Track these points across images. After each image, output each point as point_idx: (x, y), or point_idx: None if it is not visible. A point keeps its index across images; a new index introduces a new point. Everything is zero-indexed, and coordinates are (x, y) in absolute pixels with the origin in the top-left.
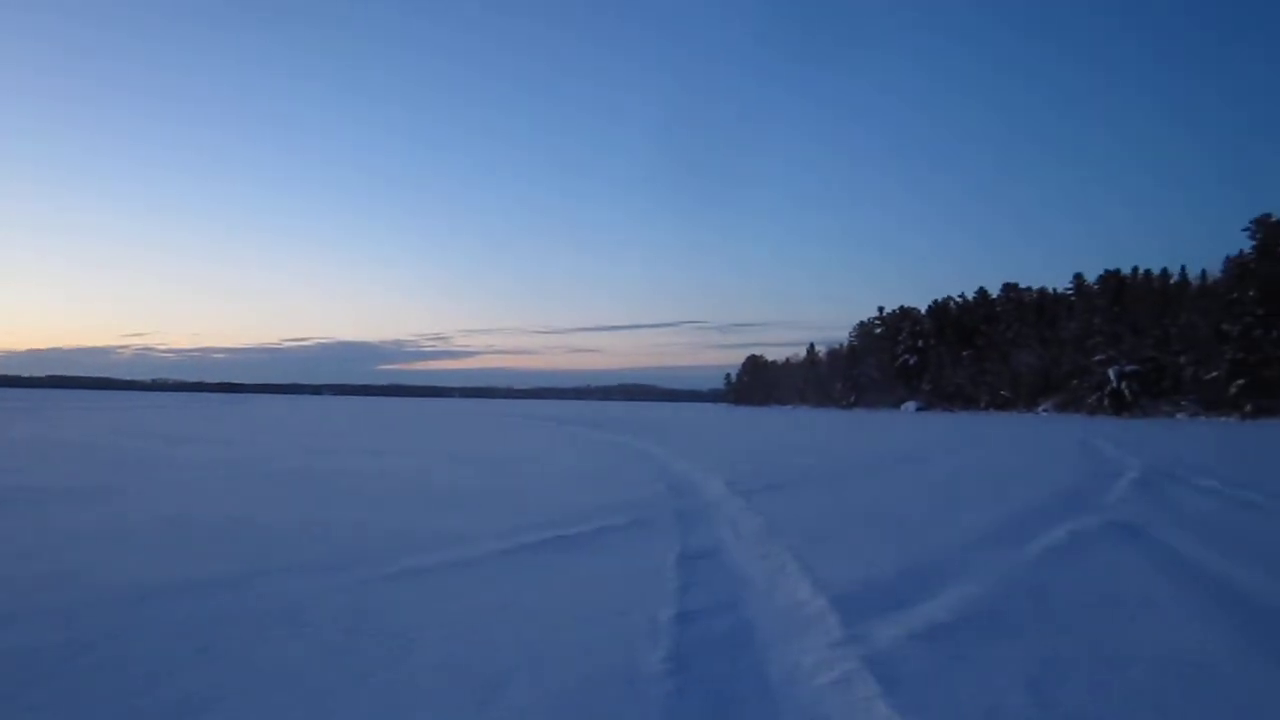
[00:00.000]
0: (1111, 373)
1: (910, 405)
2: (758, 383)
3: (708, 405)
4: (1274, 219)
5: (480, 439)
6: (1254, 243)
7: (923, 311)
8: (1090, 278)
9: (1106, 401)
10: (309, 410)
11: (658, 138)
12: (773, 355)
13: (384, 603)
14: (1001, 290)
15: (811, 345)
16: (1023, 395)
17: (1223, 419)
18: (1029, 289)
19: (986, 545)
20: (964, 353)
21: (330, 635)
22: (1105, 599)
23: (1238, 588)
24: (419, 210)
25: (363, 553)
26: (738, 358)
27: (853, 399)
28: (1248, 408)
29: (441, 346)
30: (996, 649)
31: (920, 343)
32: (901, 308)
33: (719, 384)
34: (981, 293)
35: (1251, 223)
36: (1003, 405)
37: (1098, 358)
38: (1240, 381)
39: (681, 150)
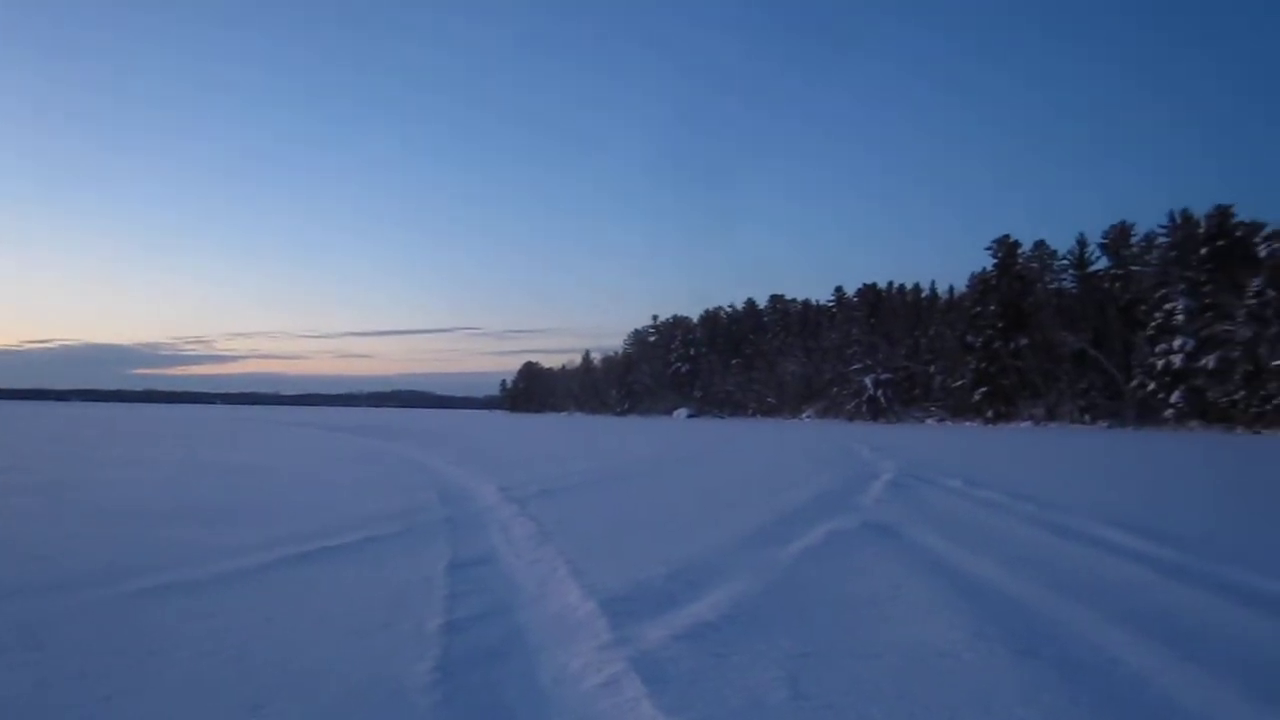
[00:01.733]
0: (869, 380)
1: (682, 411)
2: (534, 389)
3: (483, 412)
4: (1012, 239)
5: (240, 447)
6: (995, 261)
7: (695, 321)
8: (850, 291)
9: (864, 408)
10: (52, 418)
11: (433, 136)
12: (549, 362)
13: (130, 622)
14: (769, 302)
15: (587, 353)
16: (788, 402)
17: (967, 424)
18: (794, 301)
19: (752, 546)
20: (733, 361)
21: (70, 657)
22: (859, 595)
23: (977, 581)
24: (173, 204)
25: (111, 569)
26: (514, 364)
27: (627, 406)
28: (989, 413)
29: (202, 350)
30: (758, 646)
31: (692, 351)
32: (675, 317)
33: (495, 391)
34: (750, 304)
35: (993, 243)
36: (769, 411)
37: (856, 366)
38: (983, 389)
39: (456, 152)
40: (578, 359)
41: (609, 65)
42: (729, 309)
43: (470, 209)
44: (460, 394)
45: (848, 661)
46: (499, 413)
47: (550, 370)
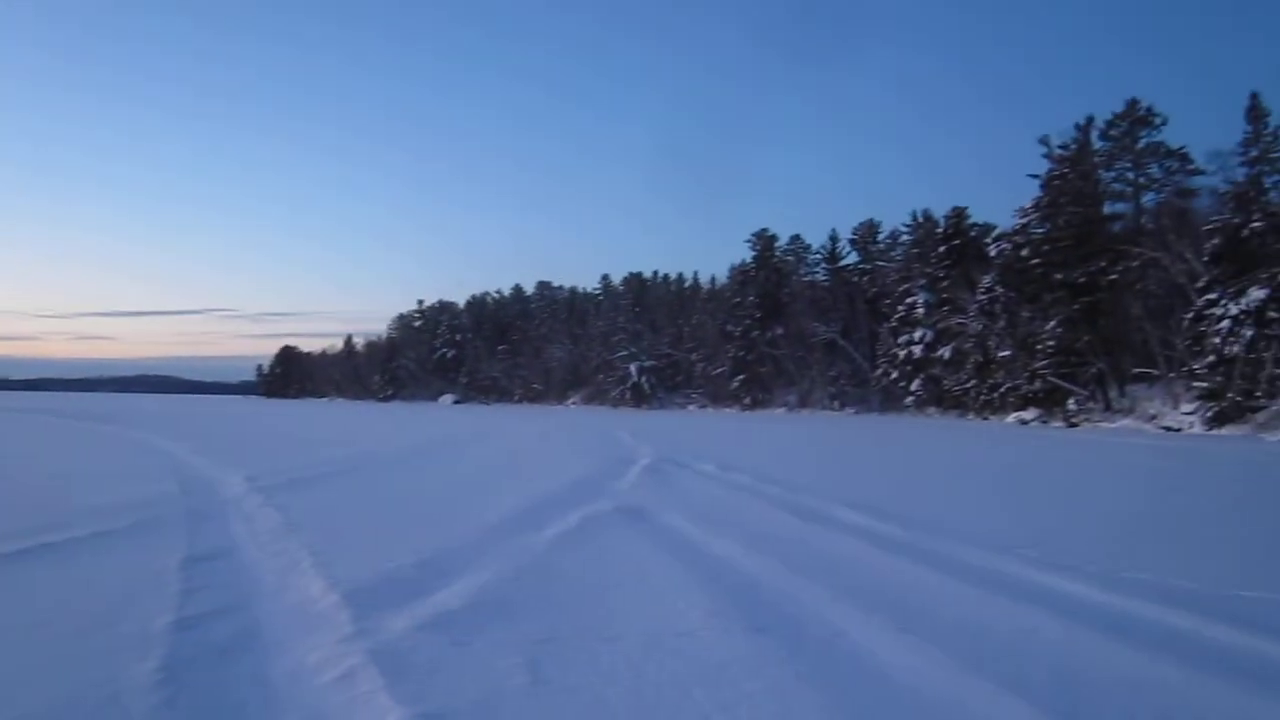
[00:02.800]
0: (633, 367)
1: (448, 398)
2: (292, 374)
3: (237, 397)
4: (770, 233)
5: None
6: (754, 254)
7: (461, 306)
8: (616, 280)
9: (628, 394)
10: None
11: (179, 118)
12: (308, 346)
13: None
14: (536, 288)
15: (349, 337)
16: (554, 388)
17: (727, 410)
18: (561, 288)
19: (504, 533)
20: (500, 347)
21: None
22: (607, 579)
23: (719, 562)
24: None
25: None
26: (271, 348)
27: (390, 392)
28: (747, 400)
29: None
30: (502, 633)
31: (458, 337)
32: (441, 302)
33: (250, 375)
34: (518, 290)
35: (753, 236)
36: (535, 398)
37: (621, 353)
38: (741, 376)
39: (202, 122)
40: (339, 344)
41: (358, 55)
42: (496, 295)
43: (222, 183)
44: (213, 379)
45: (590, 645)
46: (255, 398)
47: (310, 355)
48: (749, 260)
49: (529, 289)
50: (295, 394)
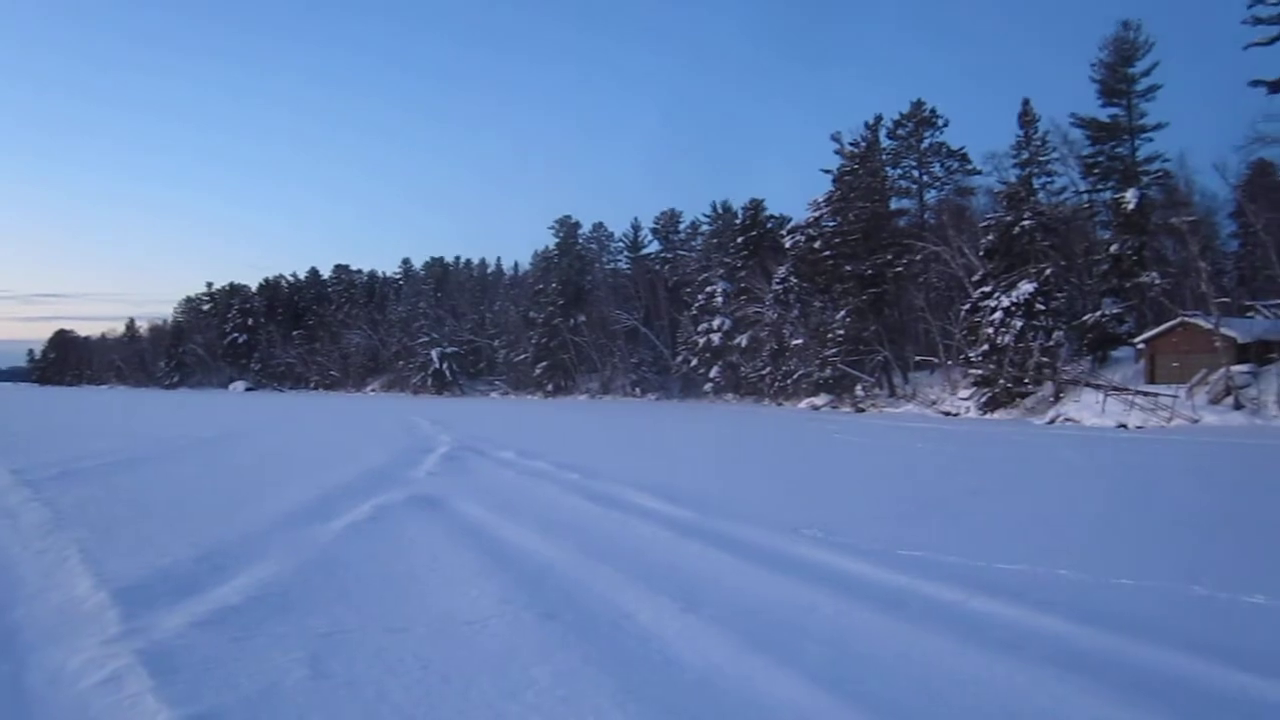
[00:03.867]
0: (434, 354)
1: (239, 385)
2: (68, 359)
3: (6, 385)
4: (573, 220)
5: None
6: (557, 240)
7: (254, 289)
8: (418, 264)
9: (430, 381)
10: None
11: None
12: (87, 330)
13: None
14: (334, 271)
15: (132, 320)
16: (353, 375)
17: (529, 397)
18: (360, 271)
19: (293, 524)
20: (295, 332)
21: None
22: (396, 569)
23: (513, 548)
24: None
25: None
26: (45, 331)
27: (177, 378)
28: (549, 387)
29: None
30: (283, 627)
31: (250, 321)
32: (232, 284)
33: (21, 361)
34: (314, 273)
35: (555, 222)
36: (332, 385)
37: (422, 339)
38: (543, 363)
39: None
40: (121, 327)
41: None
42: (291, 278)
43: None
44: None
45: (376, 637)
46: (25, 385)
47: (88, 339)
48: (552, 247)
49: (326, 272)
50: (72, 381)
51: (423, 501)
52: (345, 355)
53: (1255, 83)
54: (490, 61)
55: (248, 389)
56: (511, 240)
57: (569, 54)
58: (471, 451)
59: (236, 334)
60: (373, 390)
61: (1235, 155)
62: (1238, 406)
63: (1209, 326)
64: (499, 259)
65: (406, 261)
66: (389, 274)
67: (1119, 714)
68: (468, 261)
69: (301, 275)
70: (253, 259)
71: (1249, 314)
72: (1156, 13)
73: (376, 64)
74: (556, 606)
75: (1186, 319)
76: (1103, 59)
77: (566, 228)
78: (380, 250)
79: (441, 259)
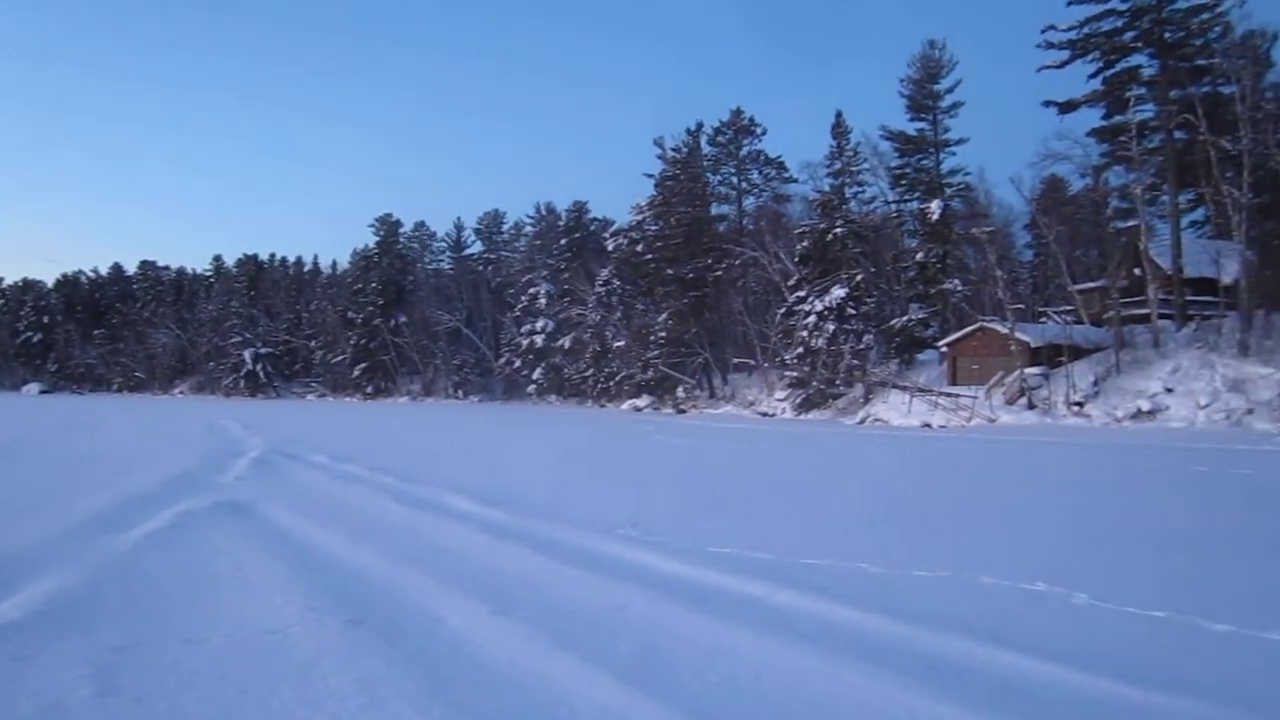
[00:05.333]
0: (248, 354)
1: (33, 387)
2: None
3: None
4: (394, 218)
5: None
6: (377, 239)
7: (50, 286)
8: (230, 261)
9: (242, 383)
10: None
11: None
12: None
13: None
14: (139, 268)
15: None
16: (159, 376)
17: (348, 399)
18: (168, 268)
19: (86, 534)
20: (96, 332)
21: None
22: (197, 578)
23: (321, 554)
24: None
25: None
26: None
27: None
28: (369, 389)
29: None
30: (70, 643)
31: (46, 319)
32: (25, 280)
33: None
34: (117, 269)
35: (376, 220)
36: (138, 387)
37: (234, 339)
38: (363, 365)
39: None
40: None
41: None
42: (92, 274)
43: None
44: None
45: (172, 649)
46: None
47: None
48: (372, 245)
49: (130, 268)
50: None
51: (229, 508)
52: (151, 356)
53: (1047, 103)
54: (312, 45)
55: (42, 391)
56: (330, 238)
57: (402, 39)
58: (283, 456)
59: (30, 333)
60: (180, 392)
61: (1030, 171)
62: (1031, 406)
63: (1005, 331)
64: (316, 257)
65: (218, 258)
66: (199, 271)
67: (911, 699)
68: (283, 259)
69: (104, 271)
70: (49, 252)
71: (1041, 320)
72: (960, 33)
73: (185, 54)
74: (364, 613)
75: (985, 324)
76: (910, 76)
77: (387, 226)
78: (190, 246)
79: (255, 256)
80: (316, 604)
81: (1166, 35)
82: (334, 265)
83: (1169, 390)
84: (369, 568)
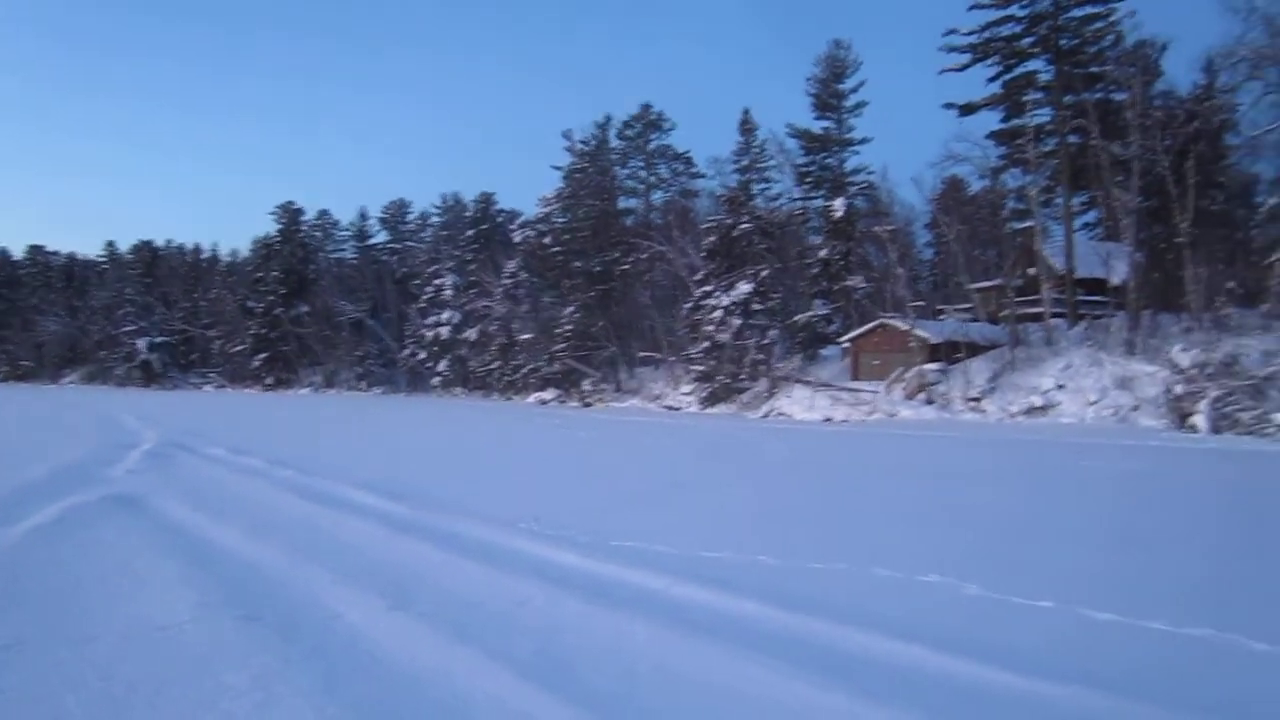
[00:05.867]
0: (142, 344)
1: None
2: None
3: None
4: (296, 206)
5: None
6: (279, 226)
7: None
8: (124, 247)
9: (137, 373)
10: None
11: None
12: None
13: None
14: (27, 253)
15: None
16: (47, 365)
17: (247, 390)
18: (58, 254)
19: None
20: None
21: None
22: (87, 574)
23: (217, 549)
24: None
25: None
26: None
27: None
28: (270, 380)
29: None
30: None
31: None
32: None
33: None
34: (3, 255)
35: (277, 208)
36: (24, 376)
37: (128, 328)
38: (263, 355)
39: None
40: None
41: None
42: None
43: None
44: None
45: (56, 649)
46: None
47: None
48: (273, 233)
49: (17, 253)
50: None
51: (120, 501)
52: (39, 344)
53: (948, 105)
54: (201, 30)
55: None
56: (229, 225)
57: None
58: (179, 448)
59: None
60: (70, 382)
61: (931, 171)
62: (929, 401)
63: (905, 328)
64: (215, 244)
65: (111, 244)
66: (92, 257)
67: (807, 690)
68: (180, 246)
69: None
70: None
71: (941, 317)
72: (865, 33)
73: (72, 46)
74: (259, 608)
75: (886, 320)
76: (817, 75)
77: (289, 214)
78: (81, 231)
79: (150, 242)
80: (210, 600)
81: (1062, 42)
82: (234, 253)
83: (1061, 387)
84: (265, 563)
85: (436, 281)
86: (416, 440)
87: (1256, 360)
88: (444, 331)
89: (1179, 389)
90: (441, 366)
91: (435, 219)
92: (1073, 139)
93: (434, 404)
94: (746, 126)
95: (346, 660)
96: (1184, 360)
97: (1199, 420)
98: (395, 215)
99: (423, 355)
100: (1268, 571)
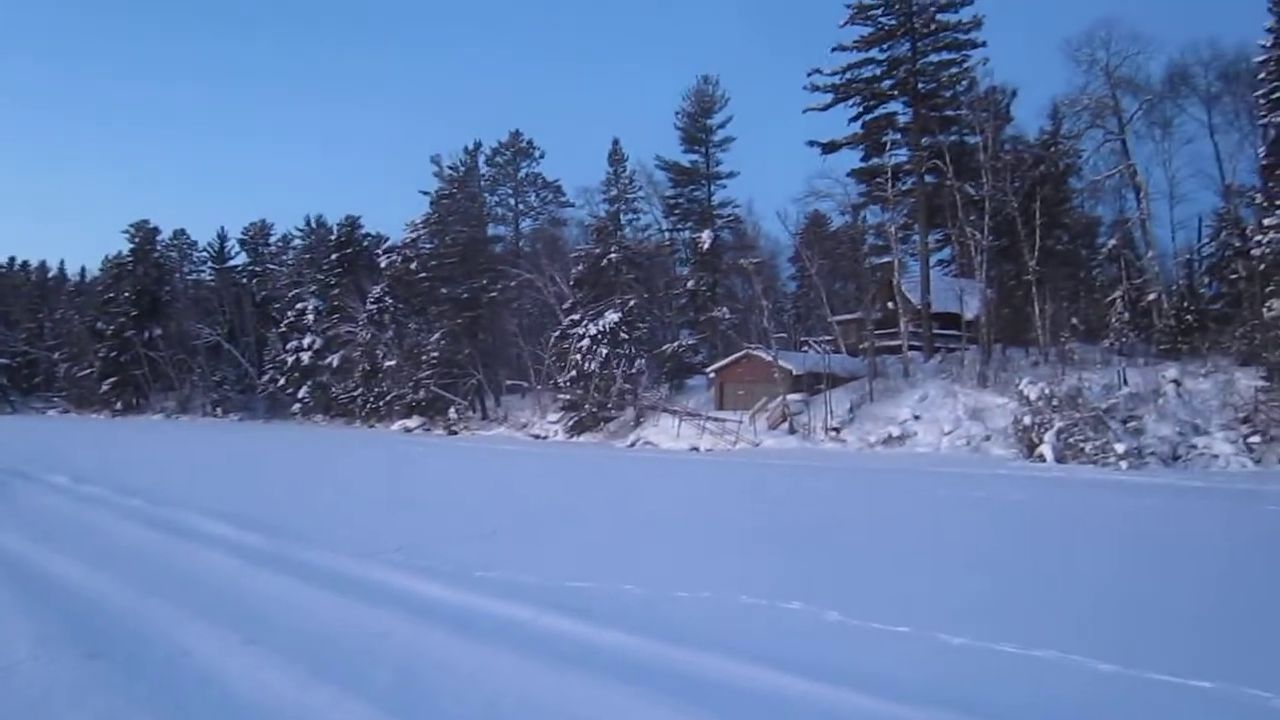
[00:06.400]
0: None
1: None
2: None
3: None
4: (151, 225)
5: None
6: (132, 246)
7: None
8: None
9: None
10: None
11: None
12: None
13: None
14: None
15: None
16: None
17: (95, 415)
18: None
19: None
20: None
21: None
22: None
23: (57, 583)
24: None
25: None
26: None
27: None
28: (119, 405)
29: None
30: None
31: None
32: None
33: None
34: None
35: (131, 226)
36: None
37: None
38: (113, 379)
39: None
40: None
41: None
42: None
43: None
44: None
45: None
46: None
47: None
48: (126, 253)
49: None
50: None
51: None
52: None
53: (811, 143)
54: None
55: None
56: (78, 244)
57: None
58: (16, 475)
59: None
60: None
61: (795, 206)
62: (792, 431)
63: (769, 359)
64: (62, 262)
65: None
66: None
67: (671, 718)
68: (24, 264)
69: None
70: None
71: (803, 348)
72: (732, 69)
73: None
74: (103, 645)
75: (751, 351)
76: (685, 108)
77: (143, 233)
78: None
79: None
80: (50, 636)
81: (920, 85)
82: (83, 272)
83: (917, 417)
84: (111, 597)
85: (298, 305)
86: (272, 468)
87: (1097, 393)
88: (305, 357)
89: (1027, 420)
90: (302, 393)
91: (298, 241)
92: (929, 179)
93: (292, 431)
94: (616, 157)
95: (197, 699)
96: (1032, 392)
97: (1045, 450)
98: (256, 237)
99: (282, 381)
100: (1111, 595)
